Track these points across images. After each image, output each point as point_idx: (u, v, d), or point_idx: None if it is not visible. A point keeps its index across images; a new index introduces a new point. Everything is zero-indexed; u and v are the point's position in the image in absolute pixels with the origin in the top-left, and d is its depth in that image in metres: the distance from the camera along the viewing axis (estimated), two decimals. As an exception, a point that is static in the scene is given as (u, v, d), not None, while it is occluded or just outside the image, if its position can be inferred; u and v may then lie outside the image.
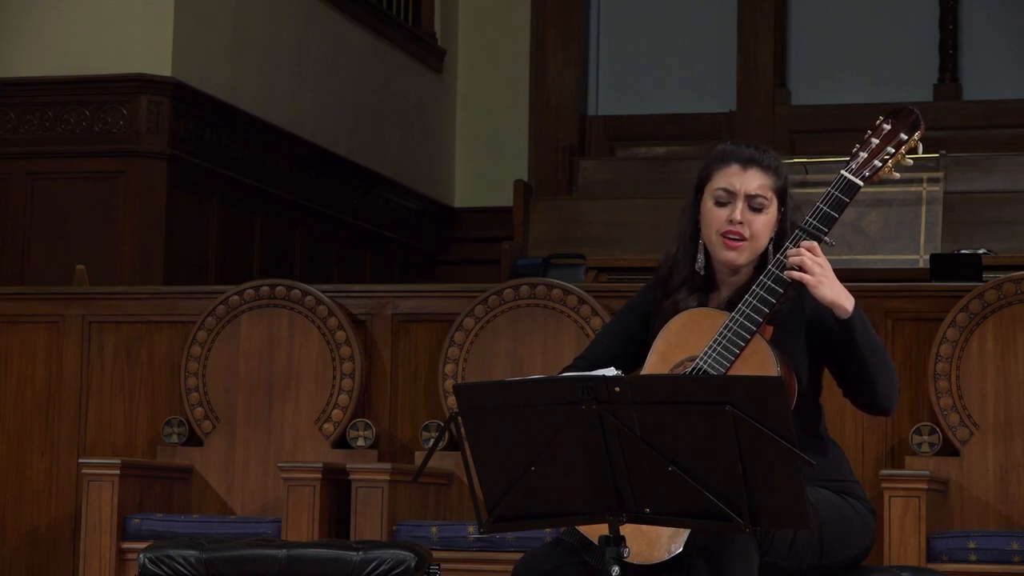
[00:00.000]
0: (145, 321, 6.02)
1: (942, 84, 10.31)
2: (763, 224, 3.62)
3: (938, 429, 5.28)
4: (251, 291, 5.89)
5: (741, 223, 3.60)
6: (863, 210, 7.57)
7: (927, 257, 7.12)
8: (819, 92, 10.45)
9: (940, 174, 7.80)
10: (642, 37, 10.77)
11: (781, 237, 3.64)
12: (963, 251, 7.21)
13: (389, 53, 9.86)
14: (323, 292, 5.87)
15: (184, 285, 6.82)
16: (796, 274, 3.51)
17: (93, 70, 7.52)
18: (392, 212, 9.85)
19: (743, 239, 3.61)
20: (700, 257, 3.67)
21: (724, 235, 3.61)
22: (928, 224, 7.60)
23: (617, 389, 3.05)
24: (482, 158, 10.69)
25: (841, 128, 10.06)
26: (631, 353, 3.71)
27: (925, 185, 7.69)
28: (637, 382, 3.08)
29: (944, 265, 6.49)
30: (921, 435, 5.28)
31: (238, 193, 8.10)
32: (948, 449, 5.28)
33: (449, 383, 5.61)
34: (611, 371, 3.13)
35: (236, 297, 5.90)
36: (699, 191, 3.68)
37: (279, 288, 5.88)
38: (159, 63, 7.52)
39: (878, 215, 7.59)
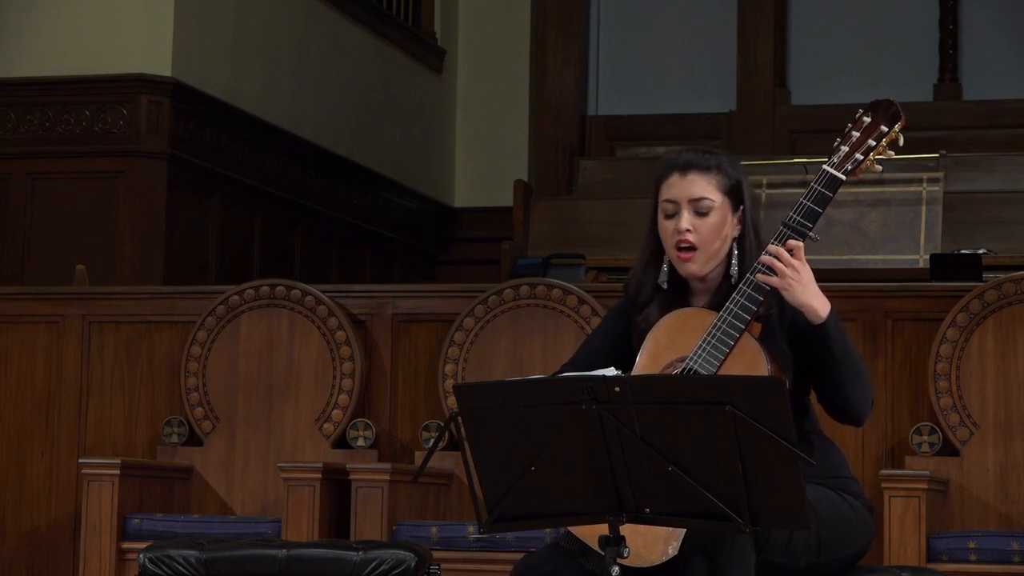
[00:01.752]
0: (145, 321, 6.02)
1: (942, 84, 10.31)
2: (712, 227, 3.60)
3: (938, 429, 5.28)
4: (251, 291, 5.89)
5: (689, 230, 3.59)
6: (863, 210, 7.57)
7: (927, 257, 7.12)
8: (819, 92, 10.45)
9: (940, 174, 7.80)
10: (642, 37, 10.77)
11: (746, 235, 3.63)
12: (963, 251, 7.21)
13: (389, 53, 9.86)
14: (323, 292, 5.87)
15: (184, 285, 6.82)
16: (763, 277, 3.49)
17: (93, 70, 7.52)
18: (392, 212, 9.85)
19: (693, 248, 3.59)
20: (664, 271, 3.66)
21: (676, 247, 3.61)
22: (928, 224, 7.60)
23: (617, 389, 3.05)
24: (482, 158, 10.69)
25: (841, 128, 10.06)
26: (619, 355, 3.70)
27: (925, 185, 7.69)
28: (637, 382, 3.08)
29: (944, 265, 6.49)
30: (921, 435, 5.28)
31: (238, 193, 8.10)
32: (948, 449, 5.28)
33: (449, 383, 5.61)
34: (611, 371, 3.13)
35: (236, 297, 5.90)
36: (656, 207, 3.68)
37: (279, 288, 5.88)
38: (159, 63, 7.52)
39: (878, 215, 7.59)
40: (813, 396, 3.66)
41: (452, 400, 5.00)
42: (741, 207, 3.63)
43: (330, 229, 9.06)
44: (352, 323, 5.84)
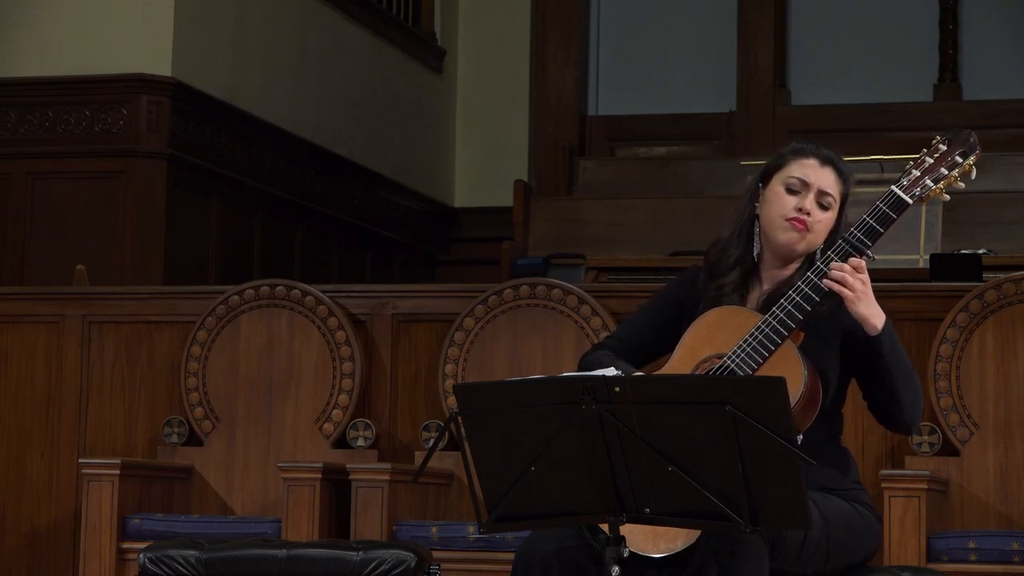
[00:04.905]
0: (145, 321, 6.02)
1: (942, 84, 10.31)
2: (825, 223, 3.66)
3: (938, 429, 5.27)
4: (251, 291, 5.89)
5: (809, 214, 3.63)
6: (863, 210, 7.56)
7: (927, 257, 7.12)
8: (819, 92, 10.46)
9: (940, 174, 7.78)
10: (642, 37, 10.77)
11: (832, 242, 3.66)
12: (963, 251, 7.21)
13: (389, 53, 9.86)
14: (323, 292, 5.87)
15: (184, 285, 6.82)
16: (836, 286, 3.53)
17: (93, 70, 7.52)
18: (392, 212, 9.85)
19: (806, 228, 3.63)
20: (757, 242, 3.69)
21: (790, 220, 3.63)
22: (928, 224, 7.60)
23: (617, 389, 3.05)
24: (482, 158, 10.69)
25: (841, 128, 10.08)
26: (662, 340, 3.74)
27: (925, 185, 7.67)
28: (637, 382, 3.08)
29: (944, 265, 6.49)
30: (921, 435, 5.28)
31: (238, 193, 8.10)
32: (948, 449, 5.27)
33: (449, 383, 5.61)
34: (611, 371, 3.13)
35: (236, 297, 5.89)
36: (765, 180, 3.70)
37: (279, 288, 5.88)
38: (159, 63, 7.52)
39: (878, 215, 7.58)
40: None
41: (452, 400, 5.00)
42: (840, 217, 3.70)
43: (330, 229, 9.06)
44: (352, 323, 5.84)
